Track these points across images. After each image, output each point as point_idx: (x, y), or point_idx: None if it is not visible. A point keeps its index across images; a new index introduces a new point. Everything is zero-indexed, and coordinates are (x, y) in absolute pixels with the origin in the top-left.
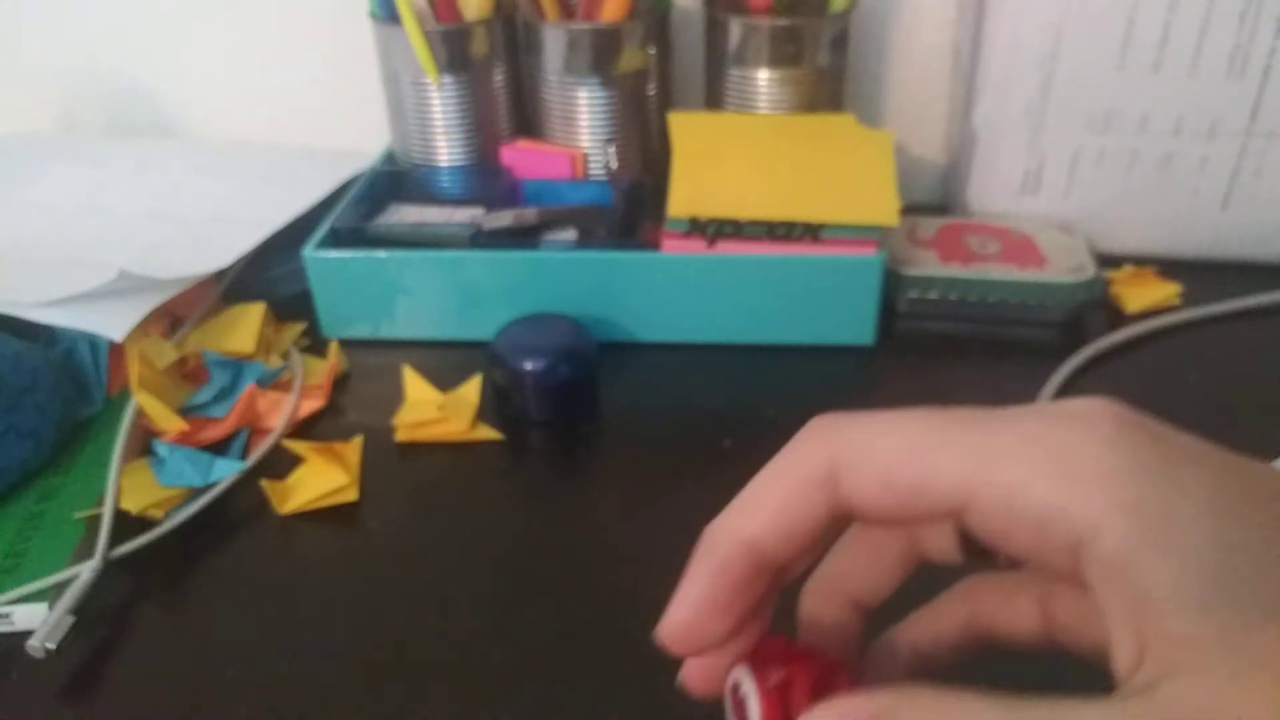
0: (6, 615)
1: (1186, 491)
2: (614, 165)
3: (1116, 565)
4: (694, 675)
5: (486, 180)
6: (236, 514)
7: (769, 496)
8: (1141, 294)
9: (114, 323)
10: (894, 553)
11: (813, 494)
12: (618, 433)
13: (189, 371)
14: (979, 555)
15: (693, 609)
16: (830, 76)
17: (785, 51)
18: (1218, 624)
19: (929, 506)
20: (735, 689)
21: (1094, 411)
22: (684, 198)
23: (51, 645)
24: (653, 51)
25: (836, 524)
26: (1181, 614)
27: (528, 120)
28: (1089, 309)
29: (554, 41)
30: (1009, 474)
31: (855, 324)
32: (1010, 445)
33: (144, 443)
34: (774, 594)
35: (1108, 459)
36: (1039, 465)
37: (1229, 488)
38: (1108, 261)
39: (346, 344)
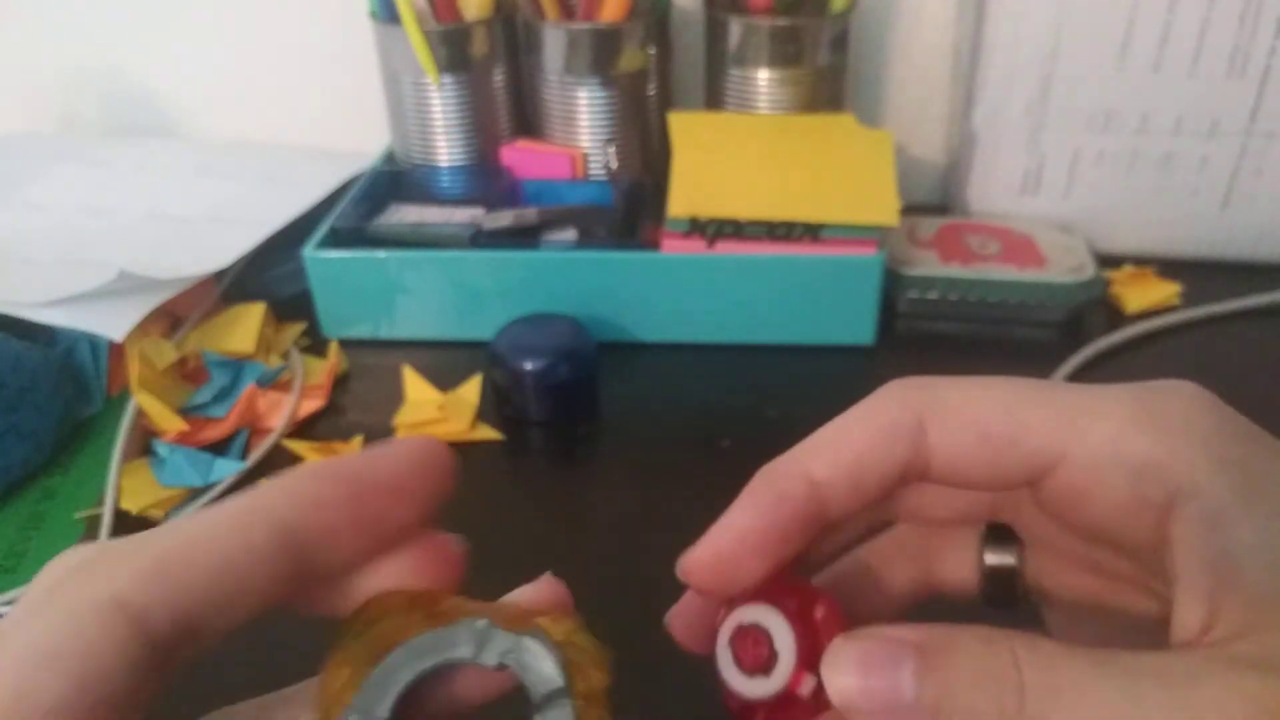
0: (6, 615)
1: None
2: (614, 165)
3: (1209, 521)
4: (687, 620)
5: (486, 180)
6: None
7: (847, 437)
8: (1141, 294)
9: (114, 323)
10: (906, 578)
11: (896, 439)
12: (618, 433)
13: (189, 371)
14: (997, 592)
15: (734, 540)
16: (830, 76)
17: (785, 51)
18: None
19: (1020, 461)
20: (745, 629)
21: (1186, 385)
22: (684, 198)
23: None
24: (653, 51)
25: (903, 484)
26: (1266, 573)
27: (528, 120)
28: (1089, 309)
29: (554, 41)
30: (1108, 425)
31: (855, 324)
32: (1108, 403)
33: (144, 443)
34: (803, 557)
35: (1207, 420)
36: (1140, 419)
37: None
38: (1108, 261)
39: (346, 344)
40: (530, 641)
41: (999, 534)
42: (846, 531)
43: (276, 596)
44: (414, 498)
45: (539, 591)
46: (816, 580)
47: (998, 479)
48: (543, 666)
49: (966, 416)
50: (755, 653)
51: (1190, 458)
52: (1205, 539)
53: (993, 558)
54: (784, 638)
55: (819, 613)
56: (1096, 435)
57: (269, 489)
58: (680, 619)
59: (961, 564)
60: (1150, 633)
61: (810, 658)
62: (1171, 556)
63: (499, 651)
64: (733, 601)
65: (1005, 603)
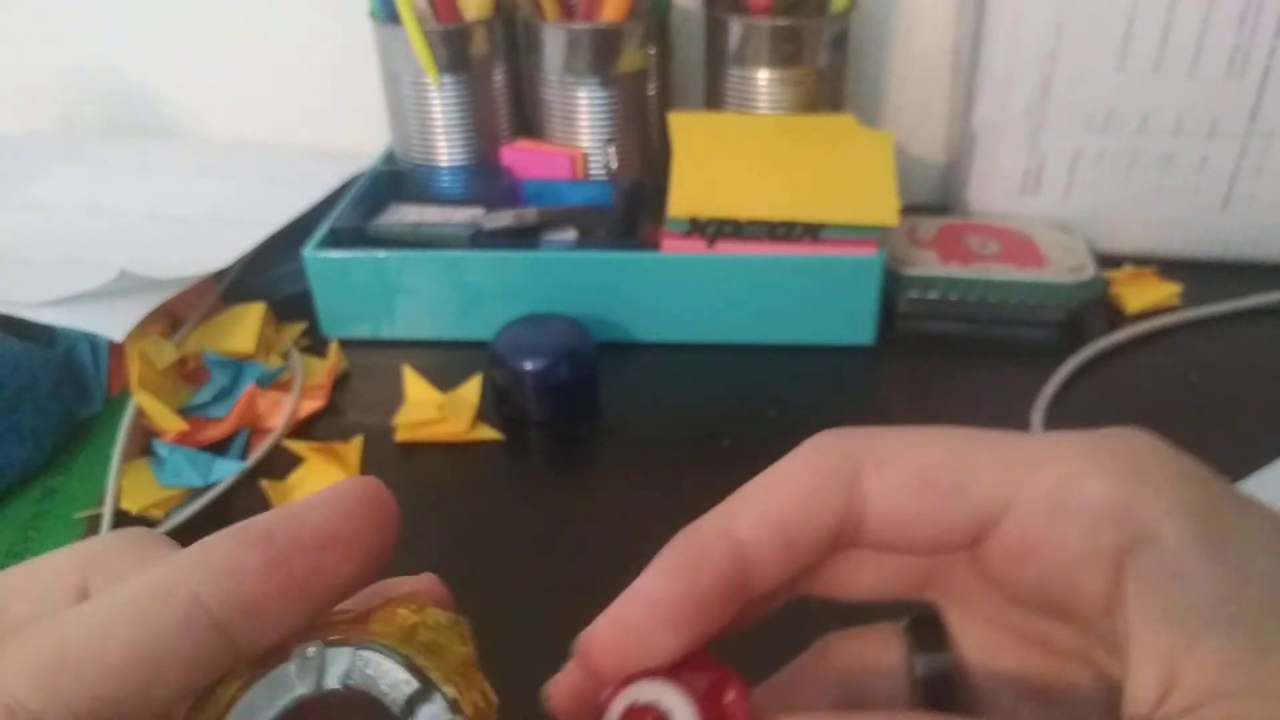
0: None
1: (1246, 510)
2: (614, 165)
3: (1169, 571)
4: (572, 692)
5: (486, 180)
6: (236, 514)
7: (774, 489)
8: (1141, 294)
9: (114, 323)
10: (828, 702)
11: (829, 489)
12: (618, 433)
13: (189, 371)
14: (933, 699)
15: (644, 610)
16: (830, 76)
17: (785, 51)
18: (1271, 644)
19: (965, 512)
20: (640, 709)
21: (1141, 432)
22: (684, 198)
23: None
24: (653, 51)
25: (835, 549)
26: (1232, 629)
27: (528, 120)
28: (1089, 309)
29: (554, 41)
30: (1061, 468)
31: (855, 324)
32: (1060, 446)
33: (144, 443)
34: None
35: (1166, 467)
36: (1094, 461)
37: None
38: (1108, 261)
39: (346, 344)
40: (367, 653)
41: (924, 632)
42: (771, 606)
43: (205, 675)
44: (347, 551)
45: (400, 584)
46: None
47: (939, 536)
48: (391, 673)
49: (907, 461)
50: None
51: (1148, 503)
52: (1164, 592)
53: (923, 662)
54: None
55: (729, 697)
56: (1048, 478)
57: (182, 561)
58: (563, 691)
59: (889, 675)
60: (1098, 715)
61: None
62: (1125, 614)
63: (339, 674)
64: (629, 675)
65: (944, 706)
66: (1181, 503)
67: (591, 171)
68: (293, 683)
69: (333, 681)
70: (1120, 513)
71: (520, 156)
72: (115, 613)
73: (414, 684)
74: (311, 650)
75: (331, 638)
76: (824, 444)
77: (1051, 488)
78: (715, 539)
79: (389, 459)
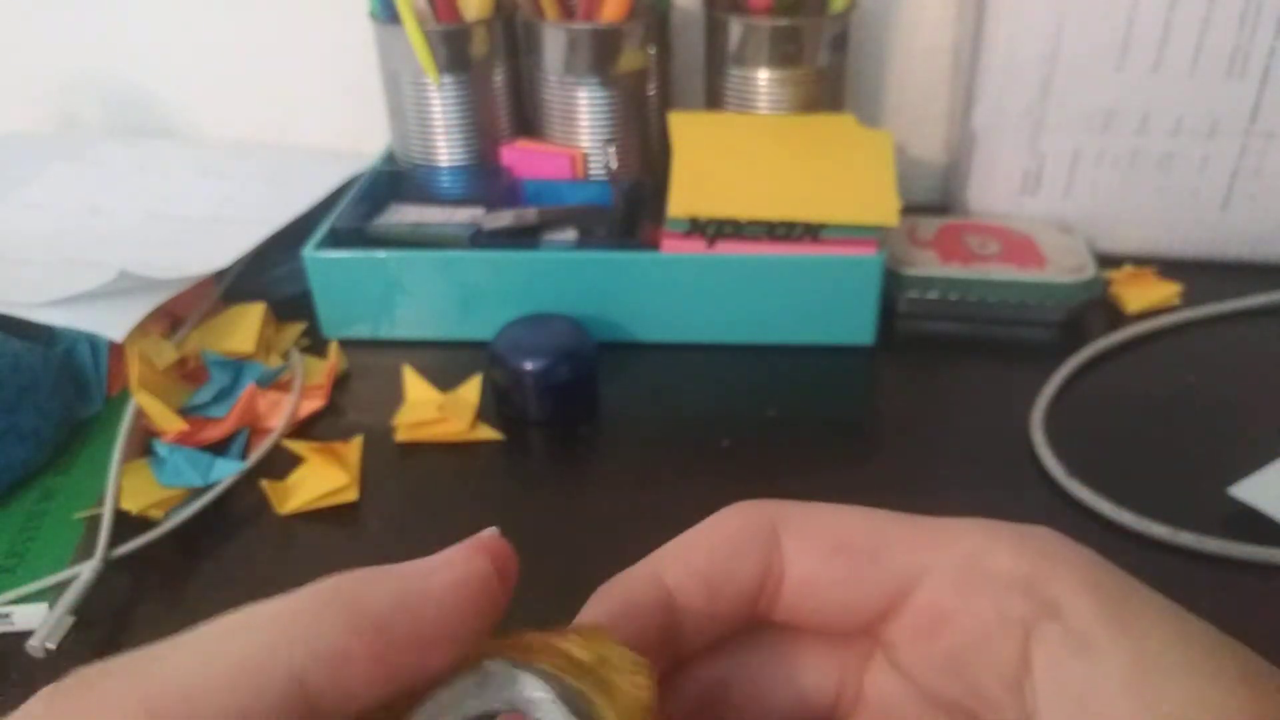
0: (6, 615)
1: (1142, 591)
2: (614, 165)
3: (1074, 645)
4: None
5: (486, 180)
6: (236, 514)
7: (698, 540)
8: (1141, 294)
9: (114, 323)
10: None
11: (751, 543)
12: (618, 433)
13: (189, 371)
14: None
15: None
16: (830, 76)
17: (785, 51)
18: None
19: (880, 580)
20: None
21: (1046, 528)
22: (684, 198)
23: (51, 645)
24: (653, 51)
25: (758, 607)
26: (1137, 702)
27: (528, 120)
28: (1089, 309)
29: (554, 41)
30: (973, 540)
31: (855, 324)
32: (971, 525)
33: (144, 443)
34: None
35: (1071, 550)
36: (1005, 539)
37: (1180, 612)
38: (1108, 261)
39: (346, 344)
40: (529, 678)
41: None
42: (699, 671)
43: None
44: (455, 647)
45: (587, 611)
46: None
47: (852, 603)
48: (546, 709)
49: (822, 528)
50: None
51: (1055, 576)
52: (1068, 666)
53: None
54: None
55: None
56: (959, 550)
57: (288, 629)
58: None
59: None
60: None
61: None
62: (1032, 687)
63: (504, 699)
64: None
65: None
66: (1085, 579)
67: (591, 171)
68: (464, 698)
69: (499, 703)
70: (1027, 584)
71: (520, 156)
72: (218, 673)
73: None
74: (494, 665)
75: (512, 657)
76: (746, 508)
77: (963, 559)
78: (644, 585)
79: (389, 459)
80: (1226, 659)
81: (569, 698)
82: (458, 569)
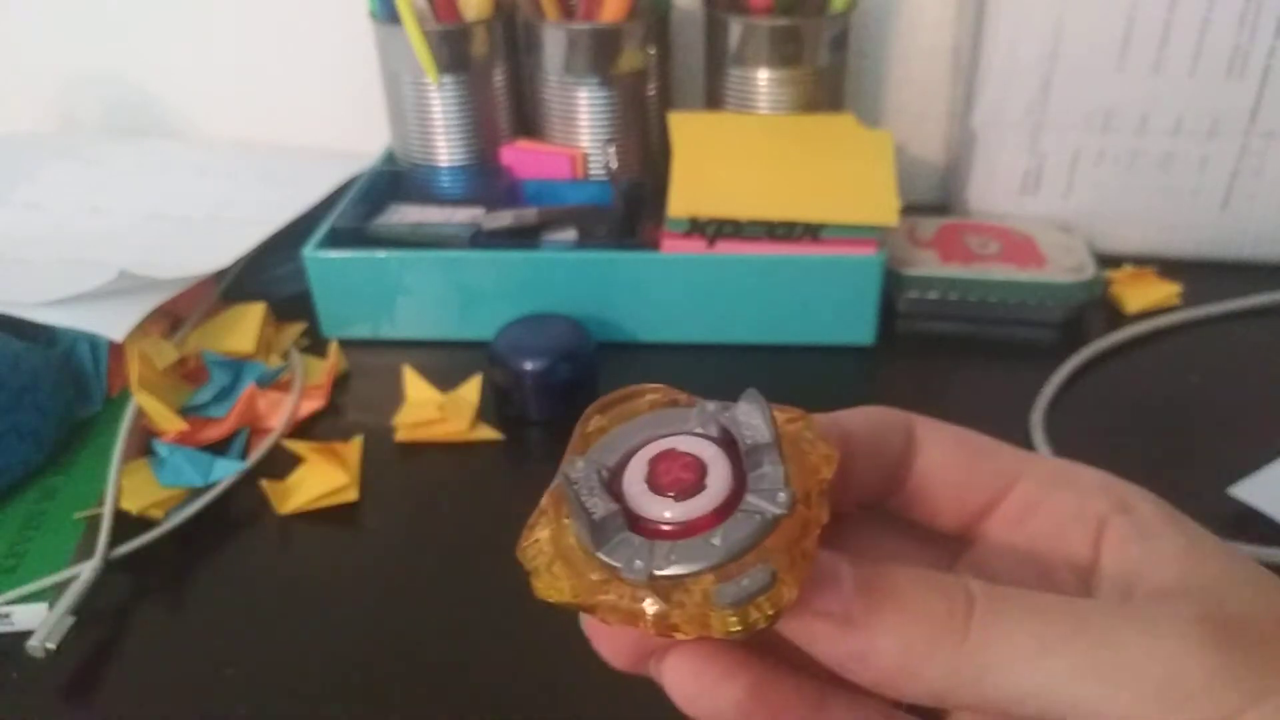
0: (6, 615)
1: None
2: (614, 165)
3: (1140, 530)
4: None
5: (486, 180)
6: (236, 514)
7: (850, 411)
8: (1141, 294)
9: (114, 323)
10: None
11: (896, 422)
12: None
13: (189, 371)
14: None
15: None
16: (830, 76)
17: (785, 51)
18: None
19: (991, 471)
20: (674, 453)
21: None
22: (684, 198)
23: (51, 645)
24: (653, 51)
25: (885, 490)
26: (1186, 567)
27: (528, 120)
28: (1089, 309)
29: (554, 41)
30: (1056, 460)
31: (855, 324)
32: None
33: (144, 443)
34: None
35: (1130, 484)
36: (1079, 465)
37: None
38: (1108, 261)
39: (346, 344)
40: (744, 405)
41: None
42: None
43: None
44: None
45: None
46: None
47: (967, 494)
48: (757, 427)
49: (950, 429)
50: (679, 476)
51: (1126, 489)
52: (1131, 547)
53: None
54: (720, 471)
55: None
56: (1048, 463)
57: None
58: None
59: None
60: None
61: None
62: (1098, 571)
63: (718, 425)
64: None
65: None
66: (1149, 496)
67: (591, 171)
68: (686, 419)
69: (712, 429)
70: (1105, 488)
71: (520, 156)
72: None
73: (767, 440)
74: (712, 407)
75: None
76: (883, 407)
77: (1055, 465)
78: (828, 423)
79: (389, 459)
80: (1255, 563)
81: (776, 437)
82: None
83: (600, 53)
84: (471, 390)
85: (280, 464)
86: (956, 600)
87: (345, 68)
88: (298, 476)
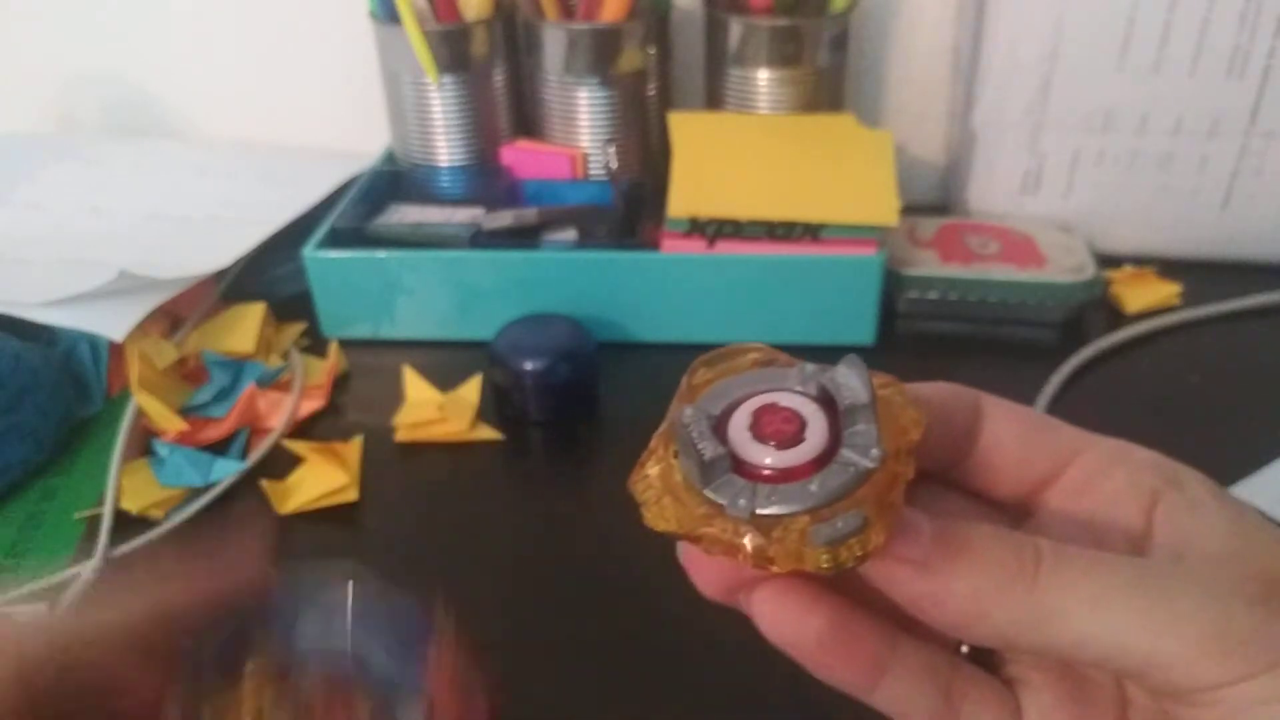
0: (6, 615)
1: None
2: (614, 165)
3: (1190, 505)
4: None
5: (486, 180)
6: (236, 514)
7: (930, 385)
8: (1141, 294)
9: (114, 323)
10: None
11: (964, 396)
12: (617, 433)
13: (189, 371)
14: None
15: None
16: (830, 76)
17: (785, 51)
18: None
19: (1053, 447)
20: (774, 407)
21: None
22: (684, 198)
23: None
24: (653, 51)
25: (962, 453)
26: (1233, 538)
27: (528, 120)
28: (1089, 309)
29: (554, 41)
30: (1114, 440)
31: (855, 324)
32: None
33: (144, 443)
34: None
35: (1195, 475)
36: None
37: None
38: (1108, 261)
39: (346, 344)
40: (843, 369)
41: None
42: None
43: None
44: None
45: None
46: None
47: (1029, 467)
48: (855, 389)
49: (1015, 406)
50: (781, 427)
51: (1175, 467)
52: (1182, 519)
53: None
54: (818, 426)
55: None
56: (1106, 441)
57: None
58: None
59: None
60: None
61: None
62: (1153, 533)
63: (816, 384)
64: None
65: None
66: (1199, 476)
67: (591, 171)
68: (786, 378)
69: (811, 388)
70: (1158, 465)
71: (520, 156)
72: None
73: (864, 401)
74: (811, 368)
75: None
76: (950, 383)
77: (1113, 444)
78: (913, 390)
79: (389, 459)
80: None
81: (873, 398)
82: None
83: (600, 53)
84: (471, 390)
85: (280, 464)
86: (1025, 552)
87: (345, 68)
88: (298, 476)
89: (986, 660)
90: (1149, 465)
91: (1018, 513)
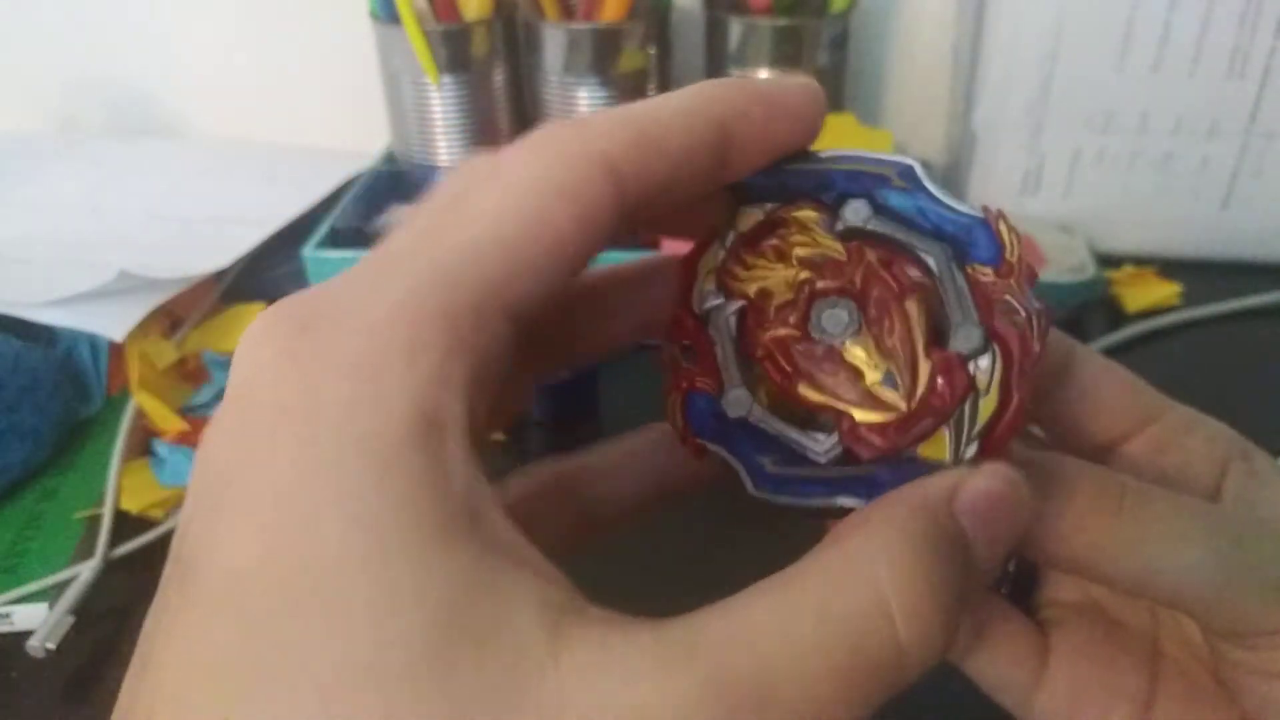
0: (6, 615)
1: None
2: None
3: (1258, 477)
4: None
5: None
6: None
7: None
8: (1141, 294)
9: (114, 323)
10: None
11: (1055, 345)
12: (618, 433)
13: (189, 371)
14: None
15: None
16: (830, 76)
17: (785, 51)
18: None
19: (1140, 403)
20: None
21: None
22: None
23: (51, 645)
24: (653, 51)
25: (1045, 392)
26: None
27: (528, 120)
28: (1089, 309)
29: (554, 41)
30: (1188, 407)
31: None
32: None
33: (144, 443)
34: None
35: (1261, 451)
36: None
37: None
38: (1108, 261)
39: None
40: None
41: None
42: None
43: (699, 191)
44: (806, 128)
45: None
46: None
47: (1117, 416)
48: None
49: (1106, 360)
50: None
51: (1245, 442)
52: (1247, 487)
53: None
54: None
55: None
56: (1185, 409)
57: (703, 93)
58: None
59: None
60: None
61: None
62: (1222, 499)
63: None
64: None
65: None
66: (1263, 451)
67: None
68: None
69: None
70: (1230, 437)
71: None
72: (670, 118)
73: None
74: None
75: None
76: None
77: (1190, 414)
78: None
79: None
80: None
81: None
82: (797, 80)
83: (600, 53)
84: None
85: None
86: (1111, 485)
87: (345, 68)
88: None
89: (1024, 604)
90: (1224, 435)
91: (1093, 460)
